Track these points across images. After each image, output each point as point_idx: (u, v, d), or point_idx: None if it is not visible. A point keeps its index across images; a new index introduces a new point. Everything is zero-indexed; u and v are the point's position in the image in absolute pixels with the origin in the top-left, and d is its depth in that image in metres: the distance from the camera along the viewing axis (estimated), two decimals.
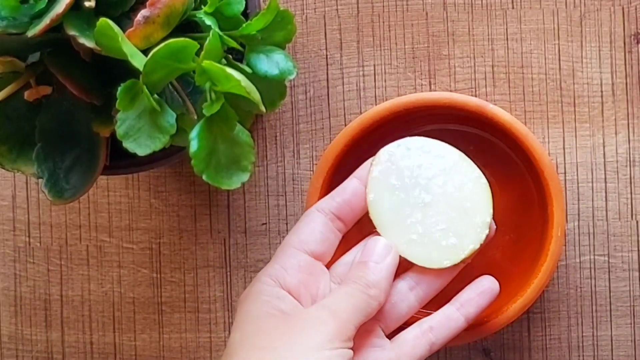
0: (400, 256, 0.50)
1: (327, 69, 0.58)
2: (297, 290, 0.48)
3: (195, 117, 0.44)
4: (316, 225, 0.50)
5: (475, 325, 0.53)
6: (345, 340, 0.46)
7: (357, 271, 0.48)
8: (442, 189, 0.50)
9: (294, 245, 0.49)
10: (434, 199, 0.50)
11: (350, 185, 0.50)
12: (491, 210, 0.50)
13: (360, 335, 0.48)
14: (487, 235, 0.50)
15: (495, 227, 0.51)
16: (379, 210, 0.50)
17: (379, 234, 0.50)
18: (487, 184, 0.50)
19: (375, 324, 0.49)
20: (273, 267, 0.49)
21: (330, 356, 0.44)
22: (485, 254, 0.57)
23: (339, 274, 0.50)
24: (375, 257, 0.49)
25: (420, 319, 0.50)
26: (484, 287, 0.50)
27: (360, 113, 0.57)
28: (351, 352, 0.46)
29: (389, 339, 0.50)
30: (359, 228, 0.52)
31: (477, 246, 0.50)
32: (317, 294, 0.49)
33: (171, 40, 0.40)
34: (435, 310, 0.51)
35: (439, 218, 0.50)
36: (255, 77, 0.44)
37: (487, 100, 0.55)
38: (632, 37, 0.57)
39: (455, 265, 0.50)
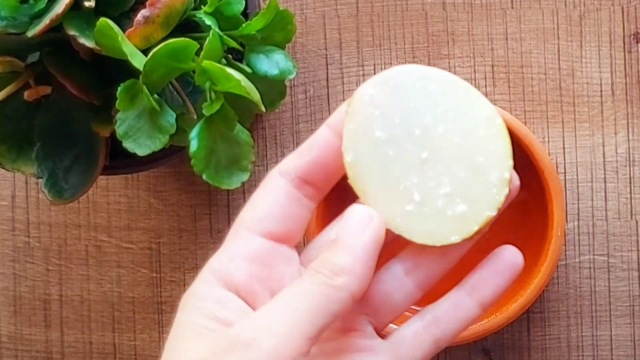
0: (393, 232, 0.38)
1: (327, 69, 0.58)
2: (248, 288, 0.36)
3: (195, 116, 0.44)
4: (276, 196, 0.37)
5: (475, 325, 0.53)
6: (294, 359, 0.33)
7: (324, 254, 0.36)
8: (444, 139, 0.37)
9: (247, 225, 0.37)
10: (434, 154, 0.38)
11: (321, 137, 0.38)
12: (511, 162, 0.38)
13: (340, 337, 0.38)
14: (507, 196, 0.38)
15: (518, 183, 0.38)
16: (362, 174, 0.37)
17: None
18: (504, 125, 0.38)
19: (363, 321, 0.38)
20: (219, 258, 0.37)
21: None
22: (485, 254, 0.57)
23: (310, 259, 0.37)
24: (349, 232, 0.36)
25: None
26: (502, 263, 0.39)
27: None
28: None
29: (383, 337, 0.39)
30: (340, 192, 0.40)
31: (495, 212, 0.38)
32: (279, 288, 0.36)
33: (171, 40, 0.40)
34: (439, 297, 0.39)
35: (442, 179, 0.37)
36: (255, 77, 0.44)
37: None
38: (632, 36, 0.57)
39: (466, 240, 0.38)
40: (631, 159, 0.57)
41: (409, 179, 0.38)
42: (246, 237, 0.37)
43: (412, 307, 0.40)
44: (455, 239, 0.38)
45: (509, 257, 0.39)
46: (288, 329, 0.33)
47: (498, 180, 0.38)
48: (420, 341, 0.38)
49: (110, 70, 0.43)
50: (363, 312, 0.38)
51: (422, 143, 0.38)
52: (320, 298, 0.34)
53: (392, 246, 0.38)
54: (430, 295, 0.40)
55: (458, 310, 0.38)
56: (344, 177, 0.38)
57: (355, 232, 0.36)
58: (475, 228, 0.38)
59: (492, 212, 0.38)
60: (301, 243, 0.40)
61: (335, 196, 0.41)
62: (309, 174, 0.38)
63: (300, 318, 0.34)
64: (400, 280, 0.38)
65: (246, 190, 0.59)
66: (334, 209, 0.41)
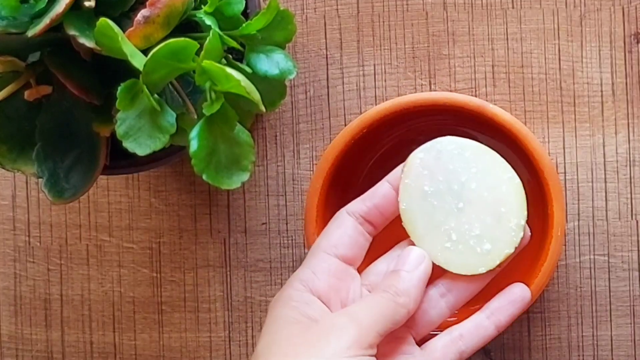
0: (434, 263, 0.49)
1: (327, 69, 0.58)
2: (327, 295, 0.48)
3: (195, 116, 0.44)
4: (346, 229, 0.49)
5: None
6: (366, 347, 0.45)
7: (388, 280, 0.48)
8: (475, 193, 0.49)
9: (324, 249, 0.49)
10: (468, 205, 0.49)
11: (381, 189, 0.50)
12: (525, 213, 0.49)
13: (390, 342, 0.48)
14: (522, 238, 0.49)
15: (529, 231, 0.50)
16: (412, 218, 0.49)
17: (412, 241, 0.50)
18: (521, 184, 0.49)
19: (407, 331, 0.49)
20: (304, 271, 0.48)
21: None
22: None
23: (371, 282, 0.50)
24: (407, 266, 0.48)
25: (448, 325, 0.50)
26: (515, 295, 0.50)
27: (360, 113, 0.57)
28: (373, 359, 0.45)
29: (419, 345, 0.49)
30: (389, 229, 0.51)
31: (512, 250, 0.49)
32: (347, 298, 0.49)
33: (171, 40, 0.40)
34: (461, 315, 0.50)
35: (473, 224, 0.49)
36: (255, 77, 0.44)
37: (487, 100, 0.55)
38: (632, 37, 0.57)
39: (489, 271, 0.49)
40: (631, 159, 0.57)
41: (448, 223, 0.49)
42: (324, 257, 0.49)
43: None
44: (481, 270, 0.49)
45: (520, 291, 0.50)
46: (368, 324, 0.45)
47: (516, 226, 0.49)
48: (447, 352, 0.49)
49: (111, 70, 0.43)
50: (407, 326, 0.48)
51: (459, 196, 0.49)
52: (388, 309, 0.46)
53: (431, 276, 0.49)
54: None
55: (479, 329, 0.50)
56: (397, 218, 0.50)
57: (412, 266, 0.48)
58: (498, 262, 0.49)
59: (510, 250, 0.49)
60: None
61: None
62: (369, 215, 0.50)
63: (376, 319, 0.46)
64: (435, 301, 0.49)
65: (246, 191, 0.59)
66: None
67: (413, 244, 0.50)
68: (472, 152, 0.49)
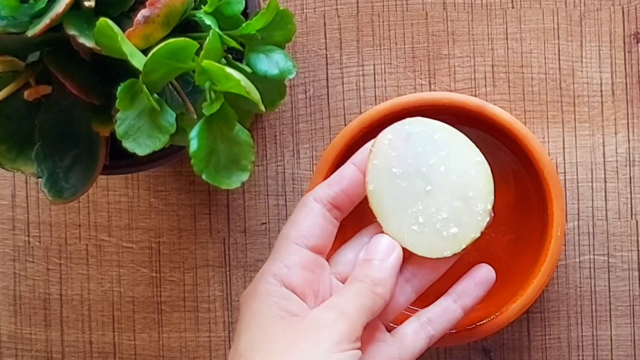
0: (401, 247, 0.49)
1: (327, 69, 0.58)
2: (301, 288, 0.48)
3: (195, 116, 0.44)
4: (316, 218, 0.48)
5: (475, 325, 0.53)
6: (355, 340, 0.45)
7: (362, 269, 0.48)
8: (443, 177, 0.48)
9: (295, 240, 0.48)
10: (436, 188, 0.48)
11: (347, 173, 0.49)
12: (492, 197, 0.49)
13: (365, 331, 0.47)
14: (487, 223, 0.49)
15: (493, 214, 0.49)
16: (380, 200, 0.49)
17: (379, 224, 0.49)
18: (489, 169, 0.49)
19: (377, 319, 0.49)
20: (276, 264, 0.48)
21: (340, 359, 0.44)
22: (485, 254, 0.57)
23: (340, 272, 0.49)
24: (380, 254, 0.48)
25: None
26: (480, 277, 0.50)
27: (360, 113, 0.57)
28: (360, 352, 0.45)
29: (389, 331, 0.50)
30: (354, 213, 0.51)
31: (478, 234, 0.48)
32: (319, 290, 0.49)
33: (171, 39, 0.40)
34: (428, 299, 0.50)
35: (441, 208, 0.48)
36: (255, 77, 0.44)
37: (487, 100, 0.55)
38: (632, 36, 0.57)
39: (455, 255, 0.49)
40: (631, 159, 0.57)
41: (416, 205, 0.49)
42: (296, 249, 0.48)
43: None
44: (447, 253, 0.49)
45: (485, 272, 0.50)
46: (354, 317, 0.46)
47: (483, 210, 0.49)
48: (418, 337, 0.49)
49: (110, 70, 0.43)
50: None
51: (427, 178, 0.49)
52: (368, 300, 0.47)
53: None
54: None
55: (447, 313, 0.50)
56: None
57: (384, 255, 0.48)
58: (464, 246, 0.49)
59: (476, 235, 0.49)
60: None
61: None
62: (337, 200, 0.49)
63: (360, 311, 0.46)
64: (402, 287, 0.50)
65: (246, 190, 0.59)
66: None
67: (380, 228, 0.49)
68: (441, 135, 0.49)
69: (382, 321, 0.49)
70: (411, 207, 0.49)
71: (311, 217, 0.48)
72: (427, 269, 0.49)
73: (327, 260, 0.50)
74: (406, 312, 0.51)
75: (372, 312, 0.47)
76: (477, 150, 0.49)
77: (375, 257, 0.48)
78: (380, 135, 0.49)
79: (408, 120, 0.49)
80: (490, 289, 0.50)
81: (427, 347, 0.49)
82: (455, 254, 0.49)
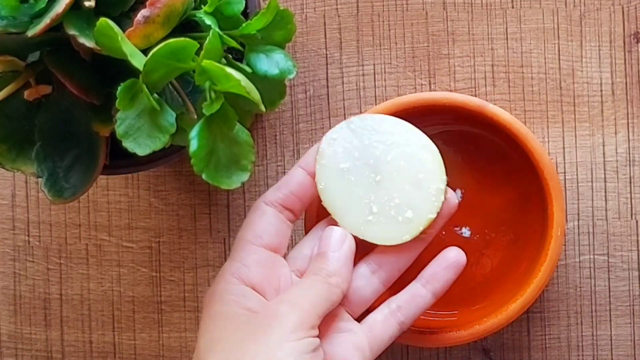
0: (361, 239, 0.49)
1: (327, 69, 0.58)
2: (261, 285, 0.48)
3: (195, 116, 0.44)
4: (269, 218, 0.49)
5: (475, 325, 0.53)
6: (309, 329, 0.45)
7: (316, 263, 0.49)
8: (392, 164, 0.49)
9: (250, 240, 0.49)
10: (386, 176, 0.49)
11: (295, 176, 0.50)
12: (444, 177, 0.49)
13: (326, 322, 0.48)
14: (445, 203, 0.49)
15: (454, 193, 0.50)
16: (331, 197, 0.50)
17: (332, 220, 0.50)
18: (437, 150, 0.49)
19: (341, 309, 0.49)
20: (234, 264, 0.48)
21: (295, 346, 0.44)
22: (484, 254, 0.57)
23: (299, 267, 0.50)
24: (332, 246, 0.49)
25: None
26: (449, 261, 0.50)
27: (360, 113, 0.57)
28: (317, 340, 0.46)
29: (359, 321, 0.50)
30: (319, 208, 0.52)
31: (435, 215, 0.49)
32: (280, 286, 0.49)
33: (171, 39, 0.40)
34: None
35: (393, 194, 0.49)
36: (255, 77, 0.44)
37: (487, 100, 0.55)
38: (632, 36, 0.57)
39: (416, 239, 0.49)
40: (631, 158, 0.57)
41: (368, 196, 0.49)
42: (252, 249, 0.49)
43: None
44: (406, 238, 0.49)
45: (454, 255, 0.50)
46: (307, 308, 0.46)
47: (436, 191, 0.49)
48: (388, 324, 0.49)
49: (110, 70, 0.43)
50: (341, 304, 0.49)
51: (376, 169, 0.49)
52: (323, 291, 0.47)
53: (361, 252, 0.50)
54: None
55: (416, 299, 0.50)
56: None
57: (337, 246, 0.49)
58: (421, 228, 0.49)
59: (432, 215, 0.49)
60: None
61: None
62: (287, 202, 0.49)
63: (314, 302, 0.46)
64: (368, 278, 0.50)
65: (246, 190, 0.59)
66: (327, 216, 0.50)
67: (334, 222, 0.50)
68: (384, 126, 0.49)
69: (350, 313, 0.50)
70: (363, 199, 0.49)
71: (265, 219, 0.49)
72: (390, 257, 0.50)
73: (285, 258, 0.50)
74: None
75: (329, 301, 0.47)
76: (422, 134, 0.49)
77: (328, 250, 0.49)
78: (325, 137, 0.50)
79: (352, 118, 0.50)
80: (460, 272, 0.50)
81: (399, 333, 0.50)
82: (416, 239, 0.49)
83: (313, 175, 0.50)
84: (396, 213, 0.49)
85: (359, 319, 0.50)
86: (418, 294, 0.50)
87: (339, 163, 0.49)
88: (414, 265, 0.50)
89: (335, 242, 0.49)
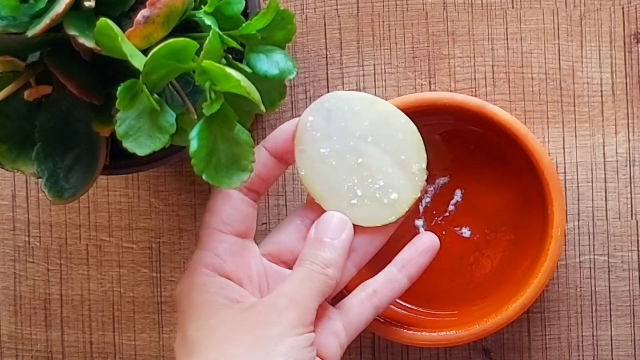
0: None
1: (327, 69, 0.58)
2: (236, 274, 0.47)
3: (195, 116, 0.44)
4: (234, 203, 0.48)
5: (475, 325, 0.53)
6: (308, 325, 0.45)
7: (312, 249, 0.48)
8: (372, 146, 0.49)
9: (218, 228, 0.48)
10: (367, 158, 0.49)
11: (258, 157, 0.47)
12: (425, 155, 0.49)
13: None
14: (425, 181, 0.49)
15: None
16: (314, 183, 0.49)
17: (310, 204, 0.49)
18: (416, 129, 0.49)
19: None
20: (205, 255, 0.47)
21: (294, 342, 0.44)
22: (484, 254, 0.57)
23: (270, 252, 0.49)
24: (330, 233, 0.48)
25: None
26: (424, 245, 0.50)
27: None
28: (314, 334, 0.46)
29: (334, 305, 0.49)
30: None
31: (418, 194, 0.49)
32: (253, 273, 0.48)
33: (171, 40, 0.40)
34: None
35: (376, 176, 0.49)
36: (255, 77, 0.44)
37: (487, 100, 0.55)
38: (632, 36, 0.57)
39: (399, 219, 0.49)
40: (631, 159, 0.57)
41: (351, 180, 0.49)
42: (222, 237, 0.47)
43: None
44: (392, 219, 0.49)
45: (429, 240, 0.51)
46: (307, 303, 0.45)
47: (418, 170, 0.49)
48: (363, 308, 0.49)
49: (110, 70, 0.43)
50: None
51: (356, 151, 0.48)
52: (319, 283, 0.46)
53: None
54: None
55: (392, 283, 0.50)
56: None
57: (336, 233, 0.48)
58: (407, 208, 0.49)
59: (417, 195, 0.49)
60: None
61: None
62: (252, 184, 0.48)
63: (312, 296, 0.46)
64: None
65: None
66: None
67: (313, 207, 0.49)
68: (362, 105, 0.49)
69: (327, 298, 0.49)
70: (347, 182, 0.49)
71: (230, 203, 0.48)
72: (364, 239, 0.49)
73: (256, 242, 0.49)
74: None
75: (323, 294, 0.47)
76: (401, 112, 0.49)
77: (326, 236, 0.48)
78: (300, 119, 0.49)
79: (325, 97, 0.49)
80: (434, 257, 0.50)
81: (374, 317, 0.50)
82: (399, 218, 0.49)
83: (278, 156, 0.49)
84: (381, 195, 0.49)
85: (332, 302, 0.50)
86: (394, 279, 0.50)
87: (318, 148, 0.48)
88: (384, 250, 0.51)
89: (335, 229, 0.48)
